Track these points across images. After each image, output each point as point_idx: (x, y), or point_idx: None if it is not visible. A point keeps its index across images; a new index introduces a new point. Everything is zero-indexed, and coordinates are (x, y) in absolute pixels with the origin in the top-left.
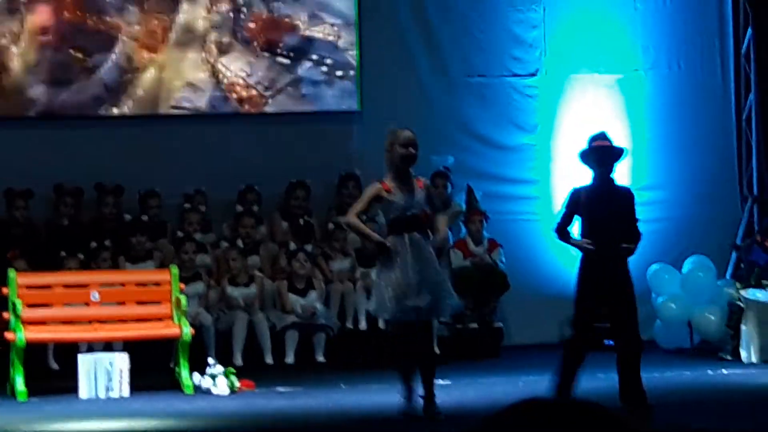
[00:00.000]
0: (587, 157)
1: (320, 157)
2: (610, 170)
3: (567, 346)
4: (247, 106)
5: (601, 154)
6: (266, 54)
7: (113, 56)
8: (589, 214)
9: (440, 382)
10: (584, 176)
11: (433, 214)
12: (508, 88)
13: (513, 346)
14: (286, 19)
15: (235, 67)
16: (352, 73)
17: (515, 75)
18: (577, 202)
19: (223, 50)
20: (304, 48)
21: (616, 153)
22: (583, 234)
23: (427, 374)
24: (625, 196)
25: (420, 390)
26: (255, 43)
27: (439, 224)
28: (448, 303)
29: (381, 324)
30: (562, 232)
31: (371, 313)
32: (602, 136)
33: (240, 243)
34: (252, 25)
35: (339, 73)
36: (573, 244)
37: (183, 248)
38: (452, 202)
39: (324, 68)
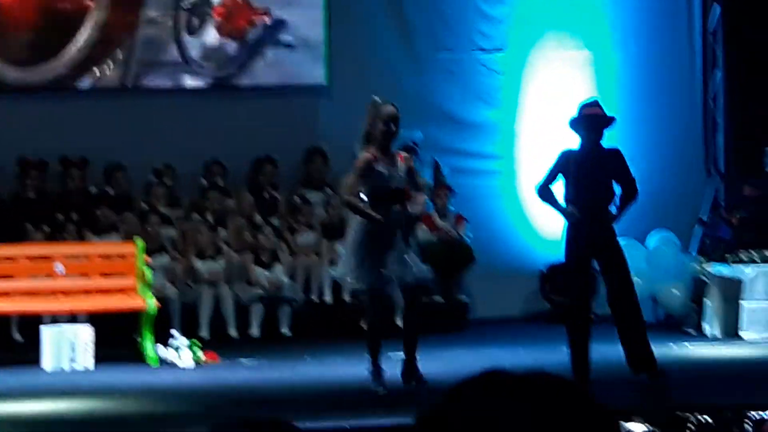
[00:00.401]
0: (577, 124)
1: (287, 131)
2: (599, 138)
3: (568, 324)
4: (214, 81)
5: (591, 121)
6: (235, 29)
7: (82, 34)
8: (575, 177)
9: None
10: (550, 152)
11: (415, 191)
12: (475, 64)
13: (478, 320)
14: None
15: (204, 43)
16: (319, 47)
17: (482, 50)
18: (566, 163)
19: (192, 28)
20: (273, 22)
21: (606, 121)
22: (568, 197)
23: (409, 341)
24: (613, 157)
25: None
26: (224, 20)
27: (418, 199)
28: (411, 272)
29: (346, 297)
30: (544, 191)
31: (337, 278)
32: (593, 104)
33: (210, 217)
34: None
35: (306, 47)
36: (557, 209)
37: (148, 221)
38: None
39: (292, 42)
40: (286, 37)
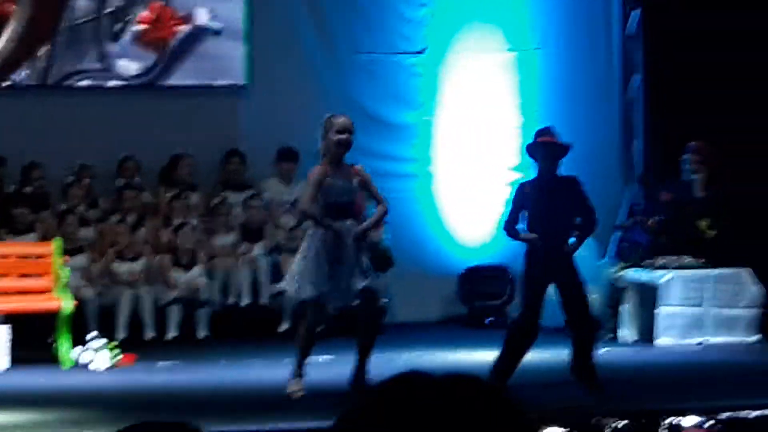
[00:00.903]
0: (532, 151)
1: (206, 132)
2: (555, 167)
3: (514, 330)
4: (134, 80)
5: (546, 150)
6: (159, 39)
7: (3, 35)
8: (533, 207)
9: (324, 357)
10: (466, 156)
11: (377, 201)
12: (395, 66)
13: (396, 323)
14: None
15: (125, 50)
16: (239, 47)
17: (403, 53)
18: (523, 196)
19: (114, 33)
20: (194, 25)
21: (562, 149)
22: (529, 227)
23: (363, 350)
24: (570, 186)
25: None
26: (148, 32)
27: (378, 213)
28: (362, 284)
29: (264, 300)
30: (511, 230)
31: (289, 292)
32: (548, 131)
33: (130, 218)
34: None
35: (226, 47)
36: (521, 239)
37: (66, 221)
38: None
39: (212, 43)
40: (207, 36)
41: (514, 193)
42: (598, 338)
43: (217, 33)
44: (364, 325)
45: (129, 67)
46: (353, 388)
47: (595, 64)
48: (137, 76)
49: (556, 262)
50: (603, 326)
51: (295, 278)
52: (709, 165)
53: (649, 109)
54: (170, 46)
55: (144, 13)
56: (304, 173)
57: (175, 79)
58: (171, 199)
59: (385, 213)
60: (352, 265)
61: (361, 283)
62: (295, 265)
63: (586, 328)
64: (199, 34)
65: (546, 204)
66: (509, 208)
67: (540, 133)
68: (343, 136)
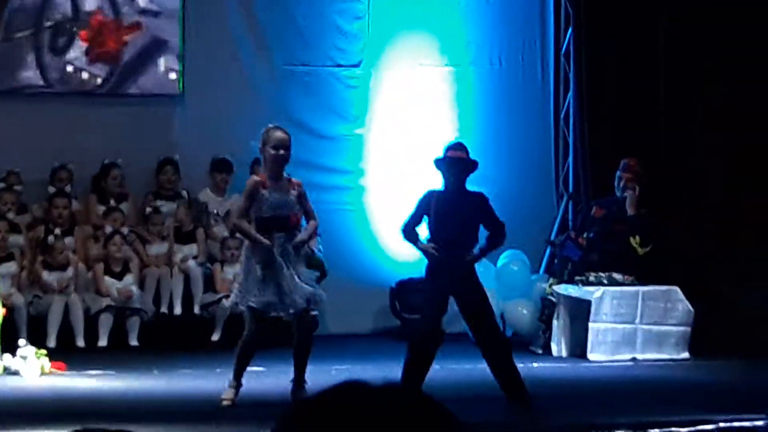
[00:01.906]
0: (441, 165)
1: (140, 140)
2: (462, 181)
3: (416, 339)
4: (67, 87)
5: (453, 164)
6: (104, 53)
7: None
8: (437, 218)
9: (255, 368)
10: (399, 169)
11: (307, 217)
12: (331, 78)
13: (327, 335)
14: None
15: (67, 64)
16: (174, 57)
17: (338, 65)
18: (429, 204)
19: (56, 47)
20: (132, 36)
21: (469, 166)
22: (431, 237)
23: (300, 361)
24: (476, 201)
25: (291, 374)
26: (92, 44)
27: (310, 227)
28: (301, 296)
29: (196, 310)
30: (409, 233)
31: (230, 306)
32: (457, 146)
33: (58, 227)
34: (86, 20)
35: (161, 56)
36: (419, 248)
37: None
38: None
39: (147, 51)
40: (142, 45)
41: (421, 198)
42: (511, 348)
43: (156, 15)
44: (298, 336)
45: (76, 81)
46: (294, 399)
47: (530, 81)
48: (78, 86)
49: (457, 273)
50: (534, 340)
51: (238, 289)
52: (640, 182)
53: (583, 125)
54: (120, 59)
55: (85, 31)
56: (237, 184)
57: (109, 85)
58: (103, 210)
59: (316, 227)
60: (290, 275)
61: (303, 294)
62: (239, 276)
63: (496, 343)
64: (145, 47)
65: (451, 217)
66: (412, 213)
67: (449, 148)
68: (279, 152)
